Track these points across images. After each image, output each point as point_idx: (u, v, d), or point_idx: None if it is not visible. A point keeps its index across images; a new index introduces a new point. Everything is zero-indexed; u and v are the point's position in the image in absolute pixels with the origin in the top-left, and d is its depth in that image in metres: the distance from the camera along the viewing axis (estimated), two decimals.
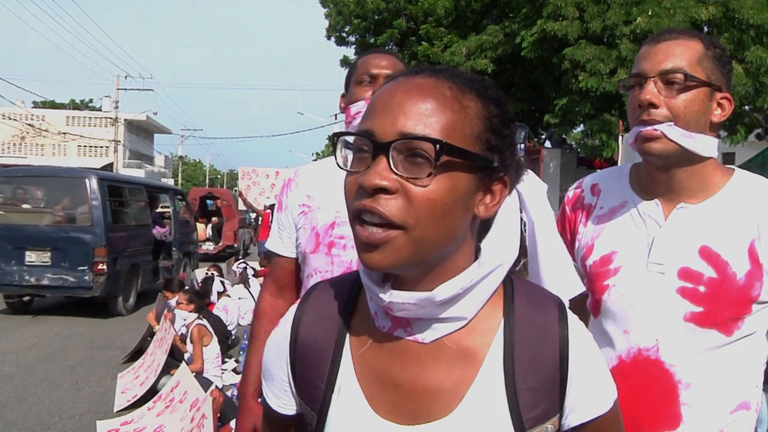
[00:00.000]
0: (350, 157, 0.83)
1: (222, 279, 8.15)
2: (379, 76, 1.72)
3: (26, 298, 8.95)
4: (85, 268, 8.23)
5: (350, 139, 0.85)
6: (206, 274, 8.67)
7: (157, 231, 10.64)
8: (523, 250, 0.93)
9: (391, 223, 0.77)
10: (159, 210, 11.79)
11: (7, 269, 8.22)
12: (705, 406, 1.31)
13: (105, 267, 8.29)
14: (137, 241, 9.58)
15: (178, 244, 11.31)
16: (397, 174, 0.77)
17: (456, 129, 0.79)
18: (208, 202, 19.03)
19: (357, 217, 0.79)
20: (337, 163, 0.84)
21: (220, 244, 16.76)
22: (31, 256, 8.30)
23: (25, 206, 8.98)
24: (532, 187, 0.96)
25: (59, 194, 8.85)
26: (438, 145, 0.76)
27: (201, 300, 5.99)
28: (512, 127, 0.86)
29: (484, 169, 0.81)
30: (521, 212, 0.97)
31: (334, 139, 0.87)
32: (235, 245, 17.38)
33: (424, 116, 0.78)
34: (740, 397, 1.33)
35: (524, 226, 0.99)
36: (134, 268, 9.37)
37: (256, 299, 7.45)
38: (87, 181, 8.58)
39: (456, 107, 0.80)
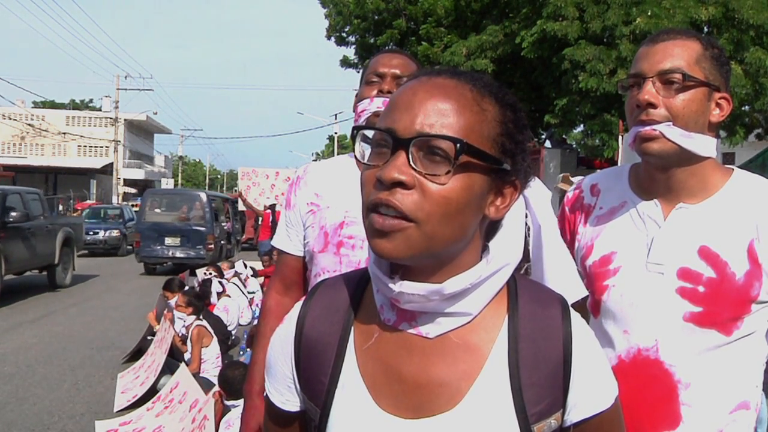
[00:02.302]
0: (367, 151, 0.85)
1: (221, 280, 8.17)
2: (386, 74, 1.71)
3: (165, 264, 14.95)
4: (201, 247, 14.38)
5: (369, 133, 0.86)
6: (205, 275, 8.69)
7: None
8: (525, 255, 0.94)
9: (405, 217, 0.78)
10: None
11: (155, 248, 14.31)
12: (705, 406, 1.31)
13: (213, 246, 14.54)
14: (222, 232, 16.35)
15: (234, 234, 18.58)
16: (415, 170, 0.78)
17: (474, 130, 0.80)
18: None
19: (372, 209, 0.80)
20: (355, 156, 0.85)
21: (242, 237, 21.51)
22: (168, 241, 14.38)
23: (165, 211, 15.44)
24: (537, 192, 0.98)
25: (184, 204, 15.35)
26: (458, 145, 0.78)
27: (200, 302, 5.98)
28: (525, 133, 0.88)
29: (497, 171, 0.83)
30: (526, 217, 0.98)
31: (354, 132, 0.89)
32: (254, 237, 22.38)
33: (445, 116, 0.80)
34: (740, 397, 1.33)
35: (528, 231, 1.00)
36: (221, 248, 15.87)
37: (246, 295, 7.61)
38: (201, 195, 15.70)
39: (475, 109, 0.82)
